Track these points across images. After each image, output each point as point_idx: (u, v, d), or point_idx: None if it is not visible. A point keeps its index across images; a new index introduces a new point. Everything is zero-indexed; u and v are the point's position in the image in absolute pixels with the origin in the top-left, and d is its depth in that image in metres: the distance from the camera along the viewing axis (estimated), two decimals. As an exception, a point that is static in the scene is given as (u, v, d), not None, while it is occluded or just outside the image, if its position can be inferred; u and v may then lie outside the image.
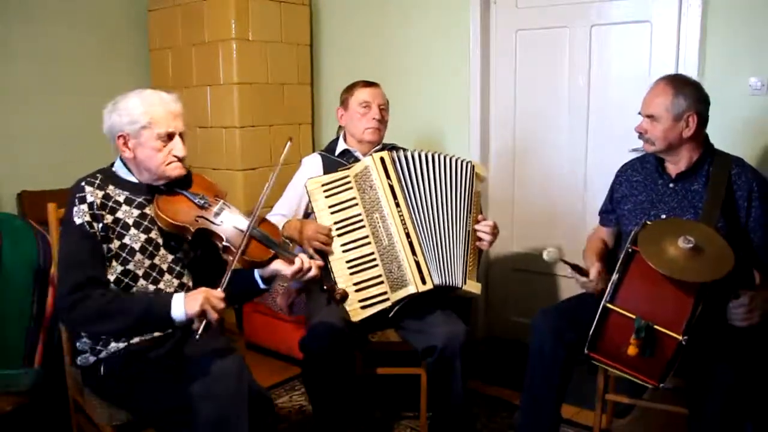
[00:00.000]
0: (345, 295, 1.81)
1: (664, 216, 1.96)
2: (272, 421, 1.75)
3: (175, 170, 1.73)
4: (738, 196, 1.88)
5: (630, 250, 1.73)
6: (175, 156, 1.71)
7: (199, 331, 1.54)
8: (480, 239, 2.12)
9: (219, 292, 1.57)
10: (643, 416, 2.38)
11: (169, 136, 1.70)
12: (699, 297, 1.63)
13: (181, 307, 1.56)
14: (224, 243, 1.68)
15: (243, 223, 1.73)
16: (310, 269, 1.71)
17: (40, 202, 2.93)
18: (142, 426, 1.74)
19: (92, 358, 1.72)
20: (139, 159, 1.71)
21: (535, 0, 2.98)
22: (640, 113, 1.99)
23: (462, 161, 2.14)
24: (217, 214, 1.74)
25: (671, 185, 1.98)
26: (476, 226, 2.12)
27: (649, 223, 1.81)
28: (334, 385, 2.05)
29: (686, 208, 1.94)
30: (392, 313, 2.06)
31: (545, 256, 1.89)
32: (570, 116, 2.96)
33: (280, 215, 2.30)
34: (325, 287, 1.78)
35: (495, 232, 2.14)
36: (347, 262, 2.06)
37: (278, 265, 1.72)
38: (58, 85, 3.30)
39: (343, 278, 2.04)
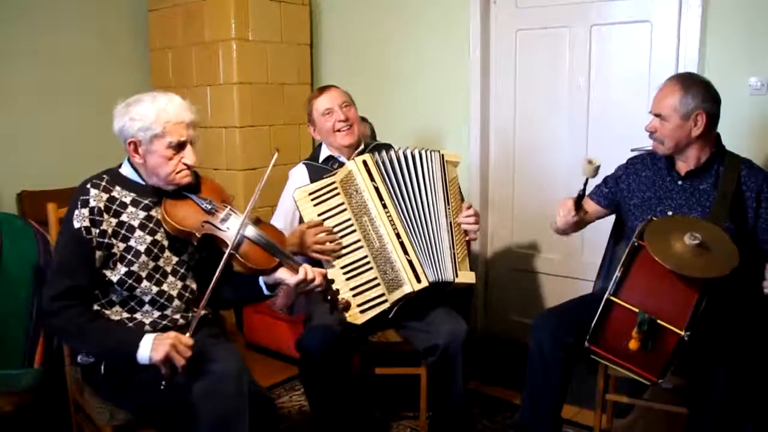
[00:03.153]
0: (347, 306, 1.83)
1: (670, 213, 1.96)
2: (273, 421, 1.75)
3: (185, 178, 1.73)
4: (747, 197, 1.87)
5: (636, 243, 1.73)
6: (185, 164, 1.71)
7: (164, 382, 1.53)
8: (466, 232, 2.13)
9: (188, 339, 1.56)
10: (643, 416, 2.38)
11: (181, 145, 1.70)
12: (703, 293, 1.64)
13: (147, 349, 1.55)
14: (230, 250, 1.68)
15: (250, 230, 1.73)
16: (314, 279, 1.71)
17: (40, 202, 2.92)
18: (142, 426, 1.74)
19: (92, 358, 1.72)
20: (149, 165, 1.71)
21: (535, 0, 2.98)
22: (650, 112, 1.97)
23: (429, 152, 2.14)
24: (223, 221, 1.74)
25: (680, 183, 1.97)
26: (459, 219, 2.12)
27: (655, 218, 1.81)
28: (331, 385, 2.05)
29: (693, 207, 1.93)
30: (392, 314, 2.06)
31: (587, 170, 1.84)
32: (570, 116, 2.96)
33: None
34: (328, 297, 1.78)
35: (477, 220, 2.16)
36: (342, 267, 2.06)
37: (282, 274, 1.72)
38: (58, 85, 3.30)
39: (339, 284, 2.03)
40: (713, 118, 1.89)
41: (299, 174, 2.35)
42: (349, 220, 2.09)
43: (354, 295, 2.04)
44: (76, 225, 1.64)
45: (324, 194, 2.12)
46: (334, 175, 2.14)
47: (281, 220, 2.32)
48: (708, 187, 1.92)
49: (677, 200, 1.97)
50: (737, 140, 2.37)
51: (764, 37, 2.40)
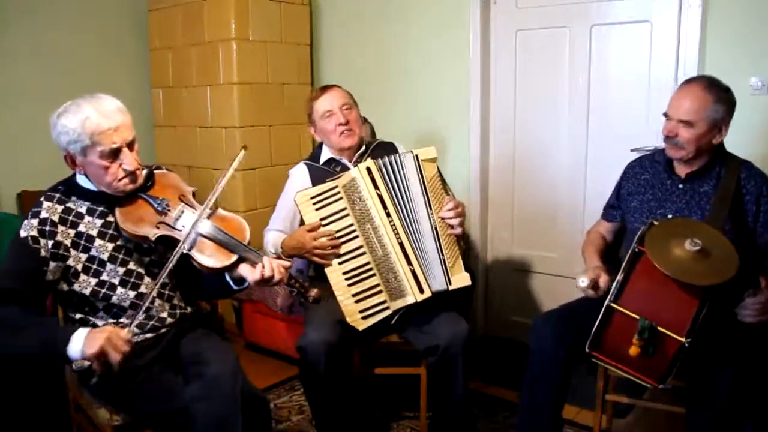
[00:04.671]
0: (318, 298, 1.76)
1: (670, 216, 1.95)
2: (268, 422, 1.75)
3: (127, 186, 1.65)
4: (747, 200, 1.87)
5: (636, 250, 1.72)
6: (125, 170, 1.63)
7: (94, 378, 1.48)
8: (450, 226, 2.06)
9: (125, 333, 1.49)
10: (643, 416, 2.38)
11: (115, 152, 1.60)
12: (704, 300, 1.63)
13: (79, 344, 1.46)
14: (185, 251, 1.64)
15: (203, 225, 1.68)
16: (272, 276, 1.65)
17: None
18: (141, 426, 1.74)
19: (87, 363, 1.71)
20: (90, 175, 1.66)
21: (535, 0, 2.98)
22: (666, 114, 1.92)
23: (404, 155, 2.08)
24: (177, 219, 1.69)
25: (680, 185, 1.97)
26: (440, 214, 2.06)
27: (656, 222, 1.80)
28: (331, 386, 2.05)
29: (693, 209, 1.93)
30: (394, 321, 2.05)
31: (581, 284, 1.82)
32: (570, 116, 2.96)
33: (275, 231, 2.28)
34: (294, 291, 1.74)
35: (459, 212, 2.07)
36: (344, 273, 2.04)
37: (244, 271, 1.67)
38: (58, 85, 3.29)
39: (341, 290, 2.03)
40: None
41: (300, 174, 2.33)
42: (351, 225, 2.05)
43: (356, 301, 2.03)
44: (23, 234, 1.60)
45: (326, 199, 2.07)
46: (336, 179, 2.09)
47: (280, 222, 2.30)
48: (709, 189, 1.92)
49: (677, 203, 1.96)
50: (737, 140, 2.36)
51: (764, 37, 2.40)
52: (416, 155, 2.07)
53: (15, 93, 3.17)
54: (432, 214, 2.04)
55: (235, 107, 3.27)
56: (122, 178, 1.64)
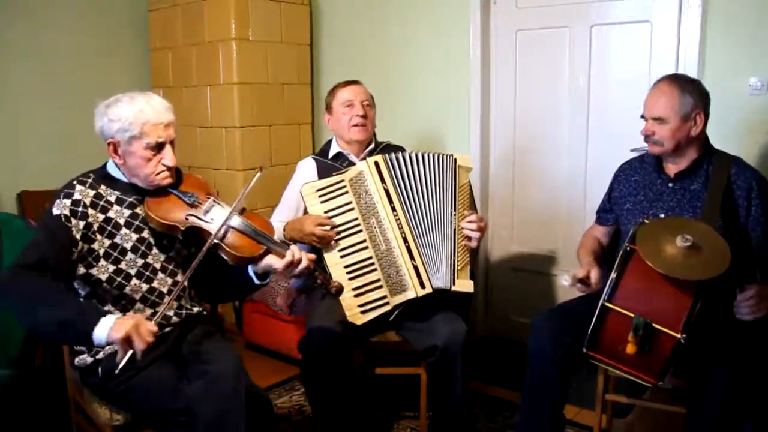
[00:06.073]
0: (340, 289, 1.79)
1: (662, 215, 1.96)
2: (271, 422, 1.75)
3: (165, 180, 1.73)
4: (737, 196, 1.88)
5: (628, 248, 1.73)
6: (165, 165, 1.71)
7: (121, 364, 1.48)
8: (468, 238, 2.08)
9: (152, 325, 1.50)
10: (643, 416, 2.38)
11: (159, 146, 1.69)
12: (697, 295, 1.64)
13: (106, 328, 1.46)
14: (215, 241, 1.68)
15: (235, 219, 1.73)
16: (300, 260, 1.70)
17: (40, 202, 2.92)
18: (141, 426, 1.74)
19: (90, 359, 1.72)
20: (129, 166, 1.72)
21: (535, 0, 2.98)
22: (643, 116, 1.97)
23: (442, 156, 2.12)
24: (207, 212, 1.75)
25: (670, 185, 1.98)
26: (462, 224, 2.08)
27: (647, 221, 1.81)
28: (333, 386, 2.05)
29: (685, 208, 1.94)
30: (392, 317, 2.05)
31: (565, 282, 1.87)
32: (570, 116, 2.96)
33: (279, 222, 2.29)
34: (319, 281, 1.77)
35: (481, 226, 2.09)
36: (345, 267, 2.05)
37: (271, 260, 1.71)
38: (58, 85, 3.30)
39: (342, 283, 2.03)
40: (707, 116, 1.92)
41: (307, 167, 2.36)
42: (356, 219, 2.07)
43: (356, 295, 2.03)
44: (56, 212, 1.64)
45: (332, 192, 2.10)
46: (343, 173, 2.12)
47: (284, 213, 2.32)
48: (699, 187, 1.93)
49: (669, 202, 1.97)
50: (737, 140, 2.38)
51: (764, 37, 2.40)
52: (455, 159, 2.11)
53: (15, 93, 3.18)
54: (455, 216, 2.06)
55: (235, 107, 3.27)
56: (160, 172, 1.71)
